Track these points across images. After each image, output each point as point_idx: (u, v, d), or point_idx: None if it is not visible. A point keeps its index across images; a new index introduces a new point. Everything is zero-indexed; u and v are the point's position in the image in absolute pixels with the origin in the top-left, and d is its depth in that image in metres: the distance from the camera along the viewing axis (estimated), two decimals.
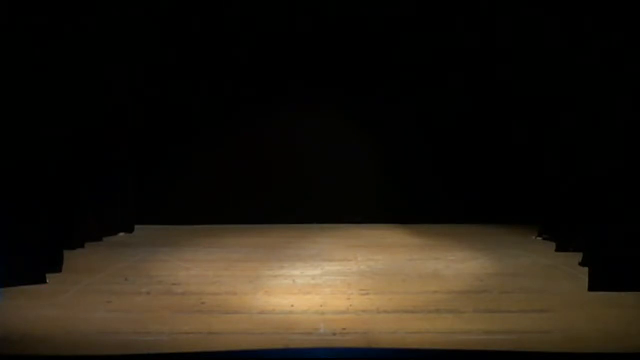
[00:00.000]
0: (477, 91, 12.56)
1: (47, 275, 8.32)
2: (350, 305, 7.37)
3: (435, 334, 6.39)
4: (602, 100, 8.23)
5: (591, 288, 7.76)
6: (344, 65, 12.62)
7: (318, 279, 8.62)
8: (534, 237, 11.28)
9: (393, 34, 12.43)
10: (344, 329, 6.53)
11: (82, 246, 10.40)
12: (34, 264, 8.23)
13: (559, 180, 10.20)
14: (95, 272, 8.92)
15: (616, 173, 7.88)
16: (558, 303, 7.40)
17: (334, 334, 6.40)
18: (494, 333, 6.43)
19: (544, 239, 10.97)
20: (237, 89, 12.71)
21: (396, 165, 13.00)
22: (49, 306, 7.30)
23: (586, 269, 8.18)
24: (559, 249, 10.01)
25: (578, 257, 8.97)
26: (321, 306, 7.34)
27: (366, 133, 13.06)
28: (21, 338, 6.28)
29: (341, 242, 11.29)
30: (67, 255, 9.13)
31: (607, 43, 8.01)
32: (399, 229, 12.41)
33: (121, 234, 11.83)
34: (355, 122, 13.02)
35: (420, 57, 12.54)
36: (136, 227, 12.18)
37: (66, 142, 9.47)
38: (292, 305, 7.38)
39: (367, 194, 13.07)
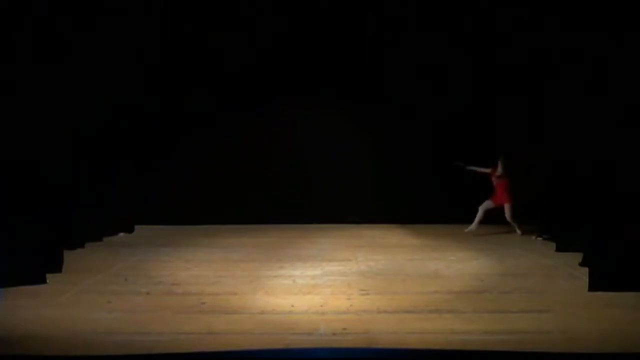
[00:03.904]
0: (477, 92, 12.56)
1: (47, 275, 8.32)
2: (350, 305, 7.37)
3: (435, 334, 6.39)
4: (600, 100, 8.25)
5: (591, 288, 7.76)
6: (344, 66, 12.63)
7: (318, 279, 8.62)
8: (534, 237, 11.31)
9: (393, 35, 12.43)
10: (344, 329, 6.53)
11: (82, 246, 10.41)
12: (34, 264, 8.23)
13: (559, 181, 10.20)
14: (95, 272, 8.93)
15: (616, 173, 7.88)
16: (558, 303, 7.40)
17: (334, 334, 6.40)
18: (494, 333, 6.43)
19: (544, 239, 10.99)
20: (237, 90, 12.71)
21: (396, 165, 13.01)
22: (49, 306, 7.30)
23: (586, 269, 8.19)
24: (559, 249, 10.02)
25: (578, 257, 8.97)
26: (321, 306, 7.34)
27: (366, 133, 13.07)
28: (21, 338, 6.28)
29: (341, 242, 11.30)
30: (67, 255, 9.13)
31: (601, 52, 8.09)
32: (399, 229, 12.42)
33: (121, 234, 11.84)
34: (356, 122, 13.03)
35: (420, 58, 12.54)
36: (136, 227, 12.19)
37: (66, 143, 9.48)
38: (292, 305, 7.38)
39: (367, 194, 13.08)
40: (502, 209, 11.79)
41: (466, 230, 11.78)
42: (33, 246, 8.28)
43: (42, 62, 8.56)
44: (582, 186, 9.03)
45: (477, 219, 11.82)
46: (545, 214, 10.98)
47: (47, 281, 8.25)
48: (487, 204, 11.84)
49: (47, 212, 8.60)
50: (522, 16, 10.57)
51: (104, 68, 10.55)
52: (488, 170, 11.95)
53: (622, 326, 6.58)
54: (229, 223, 12.64)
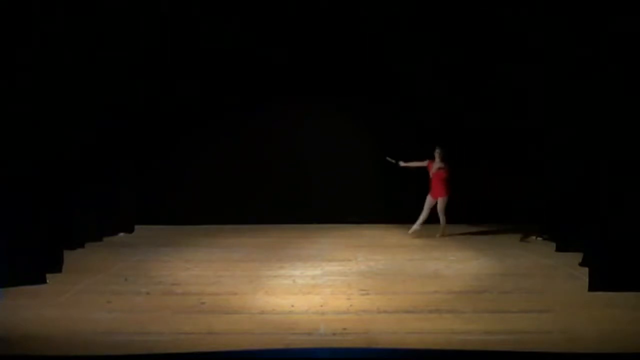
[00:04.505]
0: (477, 94, 12.54)
1: (47, 275, 8.32)
2: (350, 305, 7.37)
3: (435, 334, 6.40)
4: (599, 104, 8.25)
5: (591, 288, 7.76)
6: (344, 66, 12.60)
7: (318, 279, 8.63)
8: (534, 237, 11.30)
9: (394, 35, 12.41)
10: (344, 329, 6.53)
11: (82, 246, 10.41)
12: (34, 264, 8.23)
13: (559, 181, 10.19)
14: (95, 272, 8.93)
15: (616, 174, 7.88)
16: (558, 303, 7.41)
17: (334, 334, 6.41)
18: (494, 333, 6.44)
19: (544, 239, 10.99)
20: (237, 90, 12.69)
21: (396, 166, 12.99)
22: (49, 306, 7.31)
23: (586, 269, 8.19)
24: (559, 249, 10.02)
25: (578, 257, 8.97)
26: (321, 306, 7.35)
27: (366, 133, 13.05)
28: (21, 338, 6.29)
29: (341, 242, 11.29)
30: (67, 255, 9.13)
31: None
32: (399, 229, 12.41)
33: (121, 234, 11.83)
34: (356, 122, 13.01)
35: (421, 58, 12.53)
36: (136, 227, 12.18)
37: (67, 144, 9.47)
38: (292, 305, 7.38)
39: (367, 194, 13.07)
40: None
41: (409, 232, 11.61)
42: (33, 246, 8.28)
43: (42, 61, 8.55)
44: (583, 186, 9.02)
45: (421, 218, 11.61)
46: (545, 214, 10.98)
47: (47, 281, 8.26)
48: (429, 202, 11.68)
49: (47, 212, 8.61)
50: (522, 16, 10.56)
51: (104, 68, 10.55)
52: (425, 164, 11.84)
53: (622, 326, 6.59)
54: (229, 223, 12.64)
